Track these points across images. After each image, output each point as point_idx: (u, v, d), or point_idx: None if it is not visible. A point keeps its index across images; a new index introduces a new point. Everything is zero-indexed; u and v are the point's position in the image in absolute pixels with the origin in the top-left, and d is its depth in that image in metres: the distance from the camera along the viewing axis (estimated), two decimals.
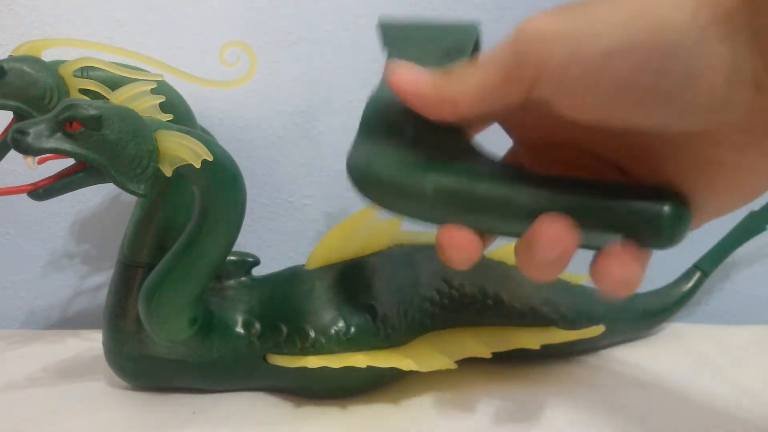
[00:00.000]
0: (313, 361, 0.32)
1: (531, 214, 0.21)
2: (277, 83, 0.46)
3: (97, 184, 0.28)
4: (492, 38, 0.22)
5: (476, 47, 0.26)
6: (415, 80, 0.22)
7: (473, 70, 0.21)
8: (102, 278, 0.48)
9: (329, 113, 0.46)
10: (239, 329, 0.34)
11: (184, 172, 0.29)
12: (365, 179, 0.24)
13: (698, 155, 0.20)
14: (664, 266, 0.46)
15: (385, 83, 0.25)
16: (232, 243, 0.32)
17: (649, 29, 0.18)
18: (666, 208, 0.21)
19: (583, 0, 0.19)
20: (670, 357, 0.40)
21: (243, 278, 0.36)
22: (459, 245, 0.22)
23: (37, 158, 0.27)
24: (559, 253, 0.21)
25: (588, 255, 0.22)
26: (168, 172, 0.28)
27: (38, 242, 0.47)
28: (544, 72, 0.19)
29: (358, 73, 0.46)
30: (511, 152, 0.27)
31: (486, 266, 0.38)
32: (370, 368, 0.32)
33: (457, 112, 0.22)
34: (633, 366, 0.39)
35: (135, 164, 0.27)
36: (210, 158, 0.28)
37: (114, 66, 0.33)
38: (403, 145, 0.24)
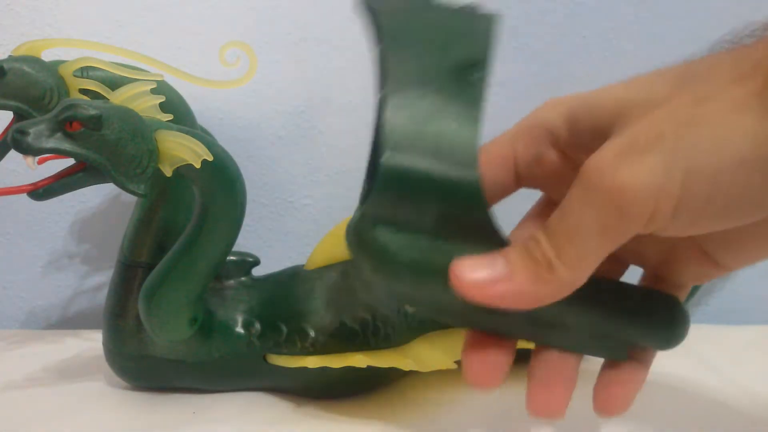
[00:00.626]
0: (313, 361, 0.32)
1: (548, 325, 0.22)
2: (277, 83, 0.46)
3: (97, 184, 0.28)
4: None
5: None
6: (494, 283, 0.19)
7: (571, 244, 0.19)
8: (102, 278, 0.48)
9: (329, 113, 0.46)
10: (239, 329, 0.34)
11: (184, 172, 0.29)
12: (388, 262, 0.21)
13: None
14: None
15: (389, 133, 0.20)
16: (232, 243, 0.32)
17: (742, 140, 0.17)
18: (676, 316, 0.22)
19: (654, 125, 0.18)
20: (670, 357, 0.40)
21: (243, 278, 0.36)
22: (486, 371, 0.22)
23: (37, 158, 0.27)
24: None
25: None
26: (168, 172, 0.28)
27: (38, 242, 0.47)
28: (654, 221, 0.18)
29: (358, 73, 0.46)
30: (543, 204, 0.26)
31: None
32: (370, 368, 0.32)
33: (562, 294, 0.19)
34: None
35: (135, 164, 0.27)
36: (210, 158, 0.28)
37: (114, 66, 0.33)
38: (421, 226, 0.21)
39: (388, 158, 0.20)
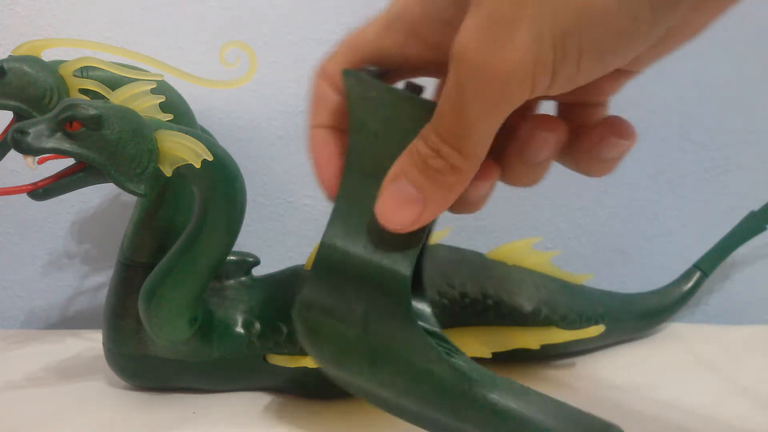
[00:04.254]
0: (313, 361, 0.32)
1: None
2: (277, 83, 0.46)
3: (97, 184, 0.28)
4: None
5: None
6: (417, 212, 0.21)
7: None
8: (102, 278, 0.48)
9: None
10: (239, 329, 0.34)
11: (184, 172, 0.29)
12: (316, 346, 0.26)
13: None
14: (664, 266, 0.46)
15: None
16: (232, 243, 0.32)
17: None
18: None
19: None
20: (670, 357, 0.40)
21: (243, 278, 0.36)
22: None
23: (37, 158, 0.27)
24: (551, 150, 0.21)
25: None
26: (168, 172, 0.28)
27: (38, 242, 0.47)
28: (536, 89, 0.18)
29: None
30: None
31: (486, 266, 0.38)
32: None
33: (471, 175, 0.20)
34: (633, 366, 0.39)
35: (135, 164, 0.27)
36: (210, 158, 0.28)
37: (114, 66, 0.33)
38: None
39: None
